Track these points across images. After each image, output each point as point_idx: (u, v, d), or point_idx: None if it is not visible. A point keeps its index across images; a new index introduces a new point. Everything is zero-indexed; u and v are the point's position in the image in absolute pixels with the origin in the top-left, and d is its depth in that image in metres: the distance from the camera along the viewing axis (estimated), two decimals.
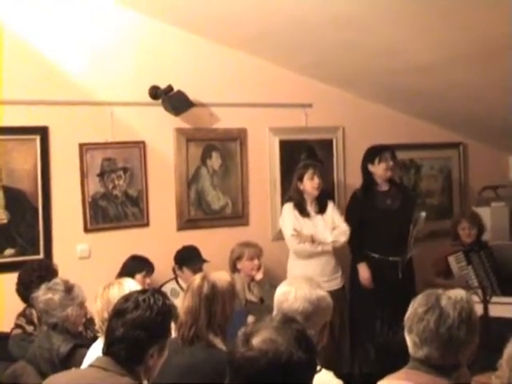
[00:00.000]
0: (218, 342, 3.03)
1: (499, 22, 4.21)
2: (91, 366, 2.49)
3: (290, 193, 5.48)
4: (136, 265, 4.84)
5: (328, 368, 2.74)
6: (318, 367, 2.02)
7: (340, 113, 6.14)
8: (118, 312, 2.50)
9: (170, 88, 5.22)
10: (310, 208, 5.40)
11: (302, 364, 1.86)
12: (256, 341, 1.86)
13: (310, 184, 5.33)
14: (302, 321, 2.69)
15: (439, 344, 2.36)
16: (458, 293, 2.49)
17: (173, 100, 5.24)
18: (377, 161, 5.55)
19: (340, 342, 5.39)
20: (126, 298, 2.56)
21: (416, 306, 2.45)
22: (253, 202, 5.80)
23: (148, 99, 5.28)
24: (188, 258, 5.14)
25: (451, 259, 5.66)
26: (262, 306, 5.03)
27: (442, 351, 2.36)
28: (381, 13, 4.39)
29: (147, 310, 2.48)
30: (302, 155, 5.89)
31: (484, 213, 6.21)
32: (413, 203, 5.87)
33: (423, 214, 5.61)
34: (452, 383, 2.37)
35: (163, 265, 5.14)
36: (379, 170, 5.56)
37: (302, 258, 5.32)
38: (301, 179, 5.35)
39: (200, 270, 4.90)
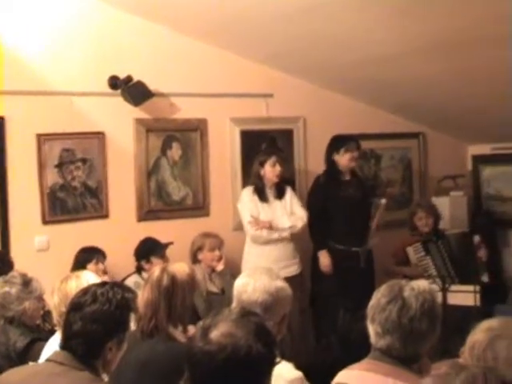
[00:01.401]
0: (178, 335, 3.02)
1: (460, 15, 4.24)
2: (48, 360, 2.45)
3: (251, 178, 5.49)
4: (85, 255, 4.80)
5: (289, 358, 2.75)
6: (278, 359, 2.01)
7: (301, 103, 6.14)
8: (76, 305, 2.47)
9: (129, 78, 5.17)
10: (269, 193, 5.43)
11: (261, 357, 1.86)
12: (214, 335, 1.85)
13: (271, 171, 5.36)
14: (262, 312, 2.69)
15: (401, 334, 2.38)
16: (421, 284, 2.51)
17: (132, 90, 5.20)
18: (342, 150, 5.57)
19: (300, 330, 5.41)
20: (84, 292, 2.53)
21: (379, 296, 2.47)
22: (213, 193, 5.78)
23: (107, 89, 5.23)
24: (152, 248, 5.12)
25: (410, 250, 5.71)
26: (223, 297, 5.03)
27: (403, 342, 2.38)
28: (343, 3, 4.38)
29: (105, 303, 2.45)
30: (263, 145, 5.89)
31: (443, 202, 6.28)
32: (373, 194, 5.94)
33: (383, 200, 5.66)
34: (413, 374, 2.39)
35: (123, 256, 5.11)
36: (344, 159, 5.59)
37: (259, 243, 5.33)
38: (262, 165, 5.36)
39: (165, 254, 5.04)
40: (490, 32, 4.34)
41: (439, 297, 4.83)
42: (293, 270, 5.41)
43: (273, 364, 1.93)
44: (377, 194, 6.30)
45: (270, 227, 5.29)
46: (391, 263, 5.83)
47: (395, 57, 5.11)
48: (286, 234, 5.36)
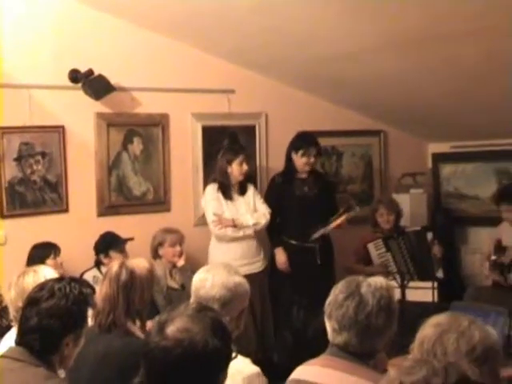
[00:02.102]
0: (136, 330, 3.01)
1: (420, 13, 4.28)
2: (3, 356, 2.42)
3: (215, 174, 5.48)
4: (42, 251, 4.74)
5: (249, 353, 2.75)
6: (234, 354, 2.02)
7: (263, 99, 6.15)
8: (32, 301, 2.45)
9: (90, 72, 5.13)
10: (233, 190, 5.44)
11: (217, 352, 1.87)
12: (171, 330, 1.85)
13: (238, 169, 5.38)
14: (220, 307, 2.70)
15: (358, 330, 2.39)
16: (378, 280, 2.52)
17: (93, 84, 5.16)
18: (300, 152, 5.59)
19: (262, 326, 5.43)
20: (41, 287, 2.51)
21: (337, 293, 2.48)
22: (175, 188, 5.77)
23: (68, 83, 5.17)
24: (111, 242, 5.09)
25: (370, 246, 5.76)
26: (184, 293, 5.02)
27: (360, 338, 2.40)
28: (304, 0, 4.41)
29: (62, 298, 2.44)
30: (225, 141, 5.88)
31: (403, 199, 6.34)
32: (333, 190, 5.97)
33: (357, 208, 5.68)
34: (369, 369, 2.41)
35: (83, 251, 5.08)
36: (300, 161, 5.62)
37: (224, 241, 5.34)
38: (230, 163, 5.36)
39: (125, 249, 5.02)
40: (449, 29, 4.40)
41: (397, 293, 4.89)
42: (257, 266, 5.45)
43: (229, 359, 1.94)
44: (338, 190, 6.37)
45: (234, 225, 5.30)
46: (352, 261, 5.88)
47: (356, 54, 5.15)
48: (250, 231, 5.38)
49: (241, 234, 5.34)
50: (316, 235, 5.53)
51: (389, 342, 2.49)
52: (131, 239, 5.12)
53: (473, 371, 1.80)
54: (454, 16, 4.21)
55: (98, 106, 5.34)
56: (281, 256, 5.55)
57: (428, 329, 2.12)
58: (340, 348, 2.42)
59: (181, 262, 5.21)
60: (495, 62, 4.85)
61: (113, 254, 5.00)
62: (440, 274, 5.67)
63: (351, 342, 2.39)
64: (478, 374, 1.87)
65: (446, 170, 7.07)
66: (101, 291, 3.06)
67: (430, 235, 5.79)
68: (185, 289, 5.08)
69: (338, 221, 5.52)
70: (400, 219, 5.98)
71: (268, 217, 5.45)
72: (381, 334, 2.42)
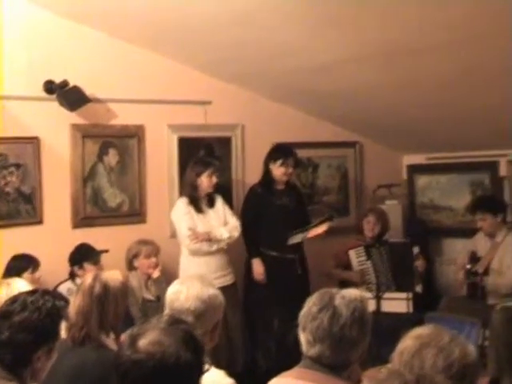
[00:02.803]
0: (110, 343, 3.00)
1: (398, 26, 4.32)
2: None
3: (184, 187, 5.47)
4: (20, 264, 4.70)
5: (221, 366, 2.75)
6: (207, 366, 2.02)
7: (239, 110, 6.16)
8: (4, 314, 2.42)
9: (65, 83, 5.11)
10: (203, 203, 5.42)
11: (189, 365, 1.86)
12: (142, 343, 1.85)
13: (207, 182, 5.35)
14: (194, 320, 2.70)
15: (331, 342, 2.39)
16: (352, 292, 2.53)
17: (68, 95, 5.14)
18: (278, 163, 5.61)
19: (234, 339, 5.40)
20: (14, 300, 2.48)
21: (310, 305, 2.48)
22: (150, 200, 5.75)
23: (42, 94, 5.15)
24: (86, 254, 5.06)
25: (352, 253, 5.80)
26: (159, 304, 5.00)
27: (334, 350, 2.40)
28: (280, 13, 4.43)
29: (35, 311, 2.42)
30: (201, 152, 5.89)
31: None
32: (305, 202, 6.06)
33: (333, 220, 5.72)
34: (342, 381, 2.42)
35: (58, 263, 5.03)
36: (278, 171, 5.64)
37: (198, 255, 5.32)
38: (199, 175, 5.34)
39: (99, 261, 4.98)
40: (425, 42, 4.44)
41: (373, 304, 4.92)
42: (228, 279, 5.43)
43: (201, 372, 1.94)
44: (313, 201, 6.40)
45: (209, 239, 5.28)
46: (331, 266, 5.91)
47: (330, 66, 5.17)
48: (223, 244, 5.36)
49: (215, 247, 5.32)
50: (294, 241, 5.55)
51: (363, 354, 2.50)
52: (106, 251, 5.09)
53: None
54: (430, 29, 4.25)
55: (73, 118, 5.31)
56: (258, 267, 5.54)
57: (409, 340, 2.13)
58: (313, 360, 2.42)
59: (156, 274, 5.20)
60: (471, 75, 4.90)
61: (87, 266, 4.97)
62: (419, 288, 5.71)
63: (325, 354, 2.39)
64: None
65: (421, 181, 7.13)
66: (74, 304, 3.04)
67: (416, 249, 5.84)
68: (160, 300, 5.06)
69: (319, 230, 5.54)
70: (386, 233, 6.03)
71: (240, 229, 5.45)
72: (354, 346, 2.42)
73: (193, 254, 5.33)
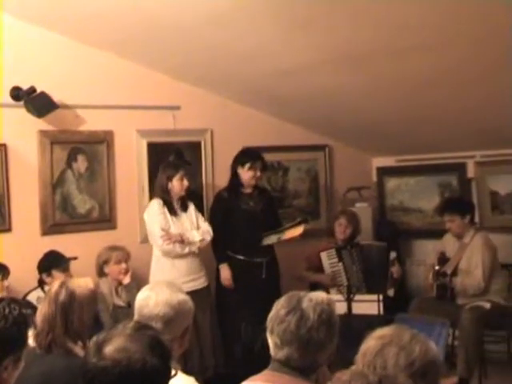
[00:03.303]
0: (78, 350, 2.98)
1: (362, 29, 4.34)
2: None
3: (156, 191, 5.46)
4: None
5: (192, 372, 2.75)
6: (173, 371, 2.02)
7: (208, 115, 6.16)
8: None
9: (32, 89, 5.07)
10: (176, 206, 5.41)
11: (156, 371, 1.86)
12: (108, 350, 1.84)
13: (179, 185, 5.34)
14: (163, 326, 2.70)
15: (299, 345, 2.41)
16: (320, 295, 2.55)
17: (36, 101, 5.10)
18: (247, 166, 5.62)
19: (206, 342, 5.40)
20: None
21: (278, 308, 2.50)
22: (120, 205, 5.72)
23: (9, 100, 5.11)
24: (54, 261, 5.02)
25: (323, 255, 5.83)
26: (130, 311, 4.97)
27: (301, 352, 2.41)
28: (247, 18, 4.44)
29: (1, 320, 2.38)
30: (170, 157, 5.88)
31: None
32: (276, 206, 6.05)
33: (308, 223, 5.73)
34: (311, 383, 2.43)
35: (27, 271, 4.98)
36: (246, 175, 5.64)
37: (170, 257, 5.31)
38: (170, 179, 5.34)
39: (68, 268, 4.92)
40: (393, 45, 4.47)
41: (344, 306, 4.94)
42: (201, 282, 5.42)
43: (168, 377, 1.94)
44: (283, 205, 6.44)
45: (182, 240, 5.28)
46: (302, 268, 5.93)
47: (299, 70, 5.20)
48: (195, 247, 5.36)
49: (187, 250, 5.32)
50: (268, 241, 5.57)
51: (331, 356, 2.52)
52: (75, 258, 5.05)
53: None
54: (401, 32, 4.29)
55: (41, 124, 5.28)
56: (225, 272, 5.55)
57: (371, 341, 2.15)
58: (282, 363, 2.43)
59: (126, 280, 5.18)
60: (438, 78, 4.95)
61: (55, 273, 4.93)
62: (391, 292, 5.75)
63: (293, 357, 2.41)
64: None
65: (391, 183, 7.18)
66: (41, 311, 3.02)
67: (393, 254, 5.88)
68: (131, 306, 5.04)
69: (296, 232, 5.57)
70: (357, 235, 6.06)
71: (211, 234, 5.44)
72: (322, 348, 2.44)
73: (165, 255, 5.31)
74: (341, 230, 5.96)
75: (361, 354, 2.15)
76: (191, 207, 5.50)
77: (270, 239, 5.59)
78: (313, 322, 2.42)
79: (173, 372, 1.98)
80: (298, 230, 5.58)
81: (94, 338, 1.90)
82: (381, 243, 6.07)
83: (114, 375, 1.81)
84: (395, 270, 5.82)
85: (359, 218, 6.14)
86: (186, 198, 5.47)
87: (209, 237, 5.43)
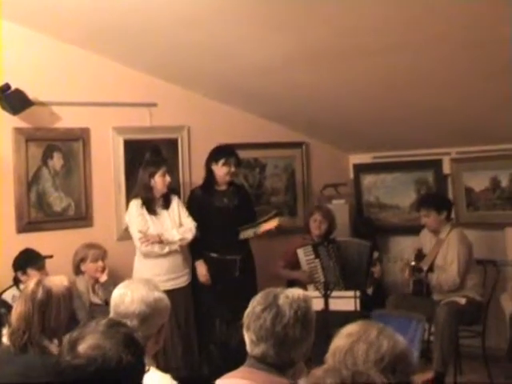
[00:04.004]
0: (54, 348, 2.96)
1: (339, 27, 4.36)
2: None
3: (137, 189, 5.44)
4: None
5: (170, 369, 2.74)
6: (147, 367, 2.01)
7: (185, 112, 6.14)
8: None
9: (7, 86, 5.03)
10: (157, 204, 5.40)
11: (131, 367, 1.86)
12: (82, 348, 1.83)
13: (161, 181, 5.33)
14: (139, 323, 2.69)
15: (275, 342, 2.41)
16: (296, 292, 2.55)
17: (11, 99, 5.07)
18: (221, 163, 5.62)
19: (187, 340, 5.40)
20: None
21: (255, 304, 2.50)
22: (97, 203, 5.69)
23: None
24: (29, 259, 4.98)
25: (300, 251, 5.85)
26: (107, 308, 4.95)
27: (277, 349, 2.41)
28: (222, 16, 4.44)
29: None
30: (147, 155, 5.86)
31: None
32: (251, 202, 6.06)
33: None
34: (288, 380, 2.44)
35: (2, 269, 4.96)
36: (221, 171, 5.64)
37: (151, 257, 5.30)
38: (152, 176, 5.32)
39: (44, 267, 4.88)
40: (368, 42, 4.48)
41: (321, 303, 4.95)
42: (183, 280, 5.43)
43: (143, 373, 1.94)
44: (261, 202, 6.46)
45: (160, 241, 5.26)
46: (279, 266, 5.94)
47: (276, 67, 5.21)
48: (175, 246, 5.35)
49: (167, 250, 5.31)
50: (245, 236, 5.58)
51: (307, 352, 2.53)
52: (50, 256, 5.02)
53: (381, 380, 1.84)
54: (378, 30, 4.31)
55: (16, 121, 5.24)
56: (201, 269, 5.55)
57: (339, 339, 2.16)
58: (258, 359, 2.43)
59: (103, 278, 5.16)
60: (414, 74, 4.98)
61: (31, 271, 4.90)
62: (370, 291, 5.78)
63: (269, 353, 2.41)
64: (386, 383, 1.91)
65: (367, 180, 7.20)
66: (16, 310, 3.00)
67: (376, 254, 5.92)
68: (108, 304, 5.01)
69: (271, 224, 5.59)
70: (333, 231, 6.08)
71: (194, 231, 5.43)
72: (298, 345, 2.44)
73: (146, 256, 5.31)
74: (316, 225, 5.98)
75: (330, 353, 2.16)
76: (174, 203, 5.49)
77: (247, 233, 5.60)
78: (289, 318, 2.42)
79: (146, 368, 1.98)
80: (273, 223, 5.61)
81: (67, 336, 1.89)
82: (364, 241, 6.09)
83: (90, 373, 1.80)
84: (376, 270, 5.86)
85: (334, 214, 6.17)
86: (168, 195, 5.45)
87: (190, 235, 5.41)
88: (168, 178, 5.37)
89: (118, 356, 1.83)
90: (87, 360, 1.81)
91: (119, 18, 4.74)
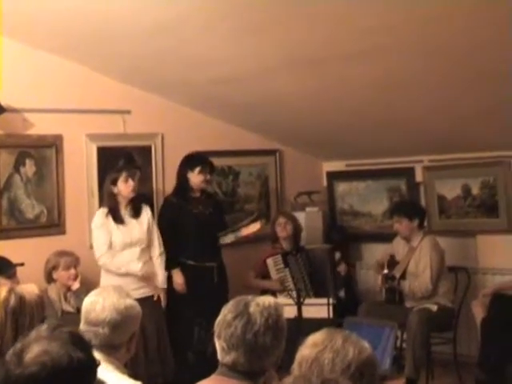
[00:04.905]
0: None
1: (314, 34, 4.38)
2: None
3: (104, 199, 5.38)
4: None
5: (141, 378, 2.73)
6: (98, 361, 2.00)
7: (159, 119, 6.13)
8: None
9: None
10: (125, 213, 5.30)
11: (83, 364, 1.88)
12: (29, 357, 1.83)
13: (124, 187, 5.22)
14: (110, 331, 2.69)
15: (245, 349, 2.42)
16: (267, 299, 2.56)
17: None
18: (197, 170, 5.60)
19: (159, 349, 5.36)
20: None
21: (226, 312, 2.50)
22: (69, 210, 5.65)
23: None
24: (0, 268, 4.94)
25: (269, 262, 5.87)
26: (79, 316, 4.91)
27: (248, 356, 2.42)
28: (196, 24, 4.45)
29: None
30: (120, 162, 5.82)
31: (299, 217, 6.42)
32: (223, 210, 6.06)
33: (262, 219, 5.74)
34: None
35: None
36: (197, 179, 5.63)
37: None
38: (115, 183, 5.25)
39: (15, 275, 4.79)
40: (342, 49, 4.51)
41: (294, 310, 4.96)
42: (153, 288, 5.36)
43: (95, 367, 1.95)
44: (234, 209, 6.49)
45: (121, 273, 5.15)
46: (251, 277, 5.94)
47: (249, 75, 5.23)
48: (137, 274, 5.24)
49: (123, 270, 5.18)
50: (225, 240, 5.58)
51: (278, 360, 2.53)
52: (21, 264, 4.97)
53: None
54: (346, 36, 4.33)
55: None
56: (178, 277, 5.50)
57: (305, 349, 2.16)
58: (229, 367, 2.44)
59: (76, 285, 5.11)
60: (387, 82, 5.00)
61: (1, 279, 4.84)
62: (342, 293, 5.81)
63: (239, 361, 2.42)
64: None
65: (341, 188, 7.24)
66: None
67: (337, 255, 5.94)
68: (80, 312, 4.98)
69: (253, 228, 5.62)
70: (299, 235, 6.11)
71: (163, 257, 5.36)
72: (269, 353, 2.45)
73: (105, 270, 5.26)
74: (281, 228, 6.02)
75: (297, 363, 2.15)
76: (145, 214, 5.37)
77: (228, 238, 5.60)
78: (259, 326, 2.43)
79: (97, 361, 1.98)
80: (255, 226, 5.63)
81: (11, 350, 1.87)
82: (324, 245, 6.13)
83: (43, 379, 1.80)
84: (342, 268, 5.91)
85: (295, 216, 6.20)
86: (137, 202, 5.37)
87: (157, 264, 5.35)
88: (131, 182, 5.22)
89: (68, 355, 1.83)
90: (38, 367, 1.81)
91: (93, 25, 4.72)
